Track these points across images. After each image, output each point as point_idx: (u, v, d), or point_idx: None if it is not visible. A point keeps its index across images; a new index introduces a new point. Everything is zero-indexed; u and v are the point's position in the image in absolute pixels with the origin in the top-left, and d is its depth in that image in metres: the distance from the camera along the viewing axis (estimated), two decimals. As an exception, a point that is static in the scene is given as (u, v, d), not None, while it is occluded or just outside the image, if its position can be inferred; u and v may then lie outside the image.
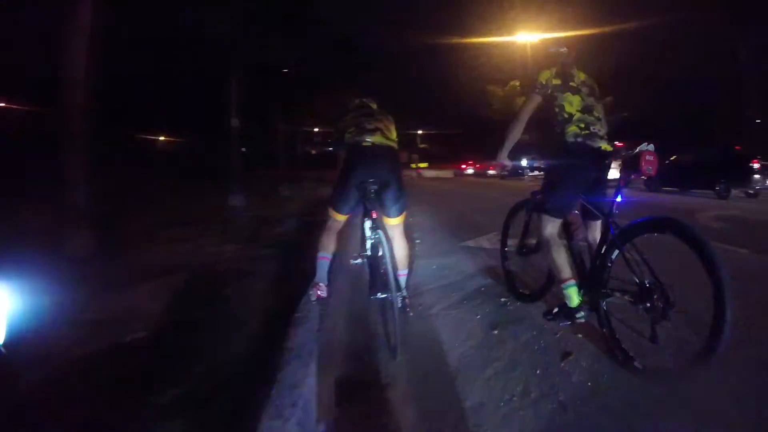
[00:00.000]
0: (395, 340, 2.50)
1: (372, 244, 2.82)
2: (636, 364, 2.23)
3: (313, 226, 5.70)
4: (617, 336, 2.40)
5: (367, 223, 2.90)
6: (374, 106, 3.32)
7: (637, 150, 2.44)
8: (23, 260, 2.87)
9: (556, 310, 2.73)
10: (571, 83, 2.80)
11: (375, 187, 2.80)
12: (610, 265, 2.48)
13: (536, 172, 20.07)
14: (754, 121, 22.41)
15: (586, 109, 2.74)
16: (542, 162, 3.12)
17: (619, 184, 2.56)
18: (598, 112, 2.78)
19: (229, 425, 1.81)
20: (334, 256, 3.19)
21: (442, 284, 3.87)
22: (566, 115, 2.75)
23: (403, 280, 2.97)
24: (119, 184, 10.73)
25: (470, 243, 5.60)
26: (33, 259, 3.45)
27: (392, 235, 3.02)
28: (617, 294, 2.42)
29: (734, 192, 12.92)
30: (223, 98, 11.83)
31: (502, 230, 3.62)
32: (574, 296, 2.60)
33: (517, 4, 26.69)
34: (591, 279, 2.62)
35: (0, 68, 12.87)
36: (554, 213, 2.77)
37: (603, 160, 2.69)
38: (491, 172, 30.35)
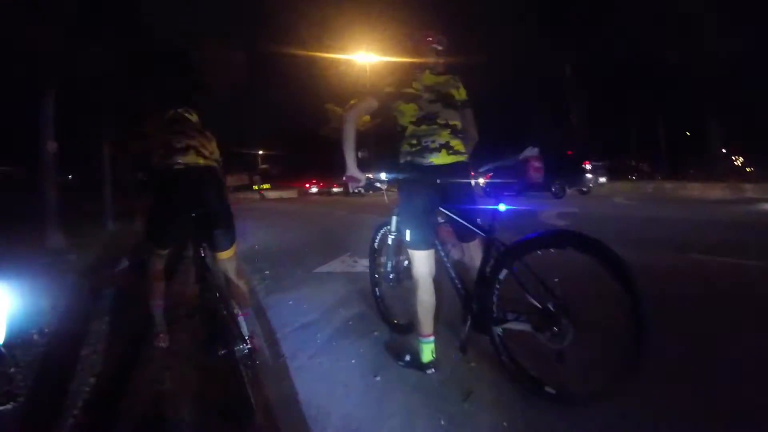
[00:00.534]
0: (252, 407, 1.89)
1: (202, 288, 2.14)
2: (547, 389, 1.97)
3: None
4: (519, 362, 2.12)
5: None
6: (193, 118, 2.74)
7: (522, 156, 2.22)
8: None
9: (408, 358, 2.48)
10: (406, 89, 2.44)
11: (195, 218, 2.18)
12: (498, 287, 2.19)
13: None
14: (581, 128, 26.47)
15: (423, 119, 2.41)
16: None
17: (495, 195, 2.31)
18: (447, 118, 2.43)
19: None
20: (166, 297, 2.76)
21: (303, 323, 3.26)
22: (399, 129, 2.48)
23: (244, 323, 2.36)
24: None
25: (324, 268, 5.09)
26: None
27: (226, 270, 2.62)
28: (512, 318, 2.12)
29: (569, 191, 14.97)
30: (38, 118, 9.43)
31: (369, 253, 3.18)
32: (427, 353, 2.35)
33: (356, 25, 27.56)
34: (477, 303, 2.31)
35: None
36: (414, 245, 2.40)
37: (439, 176, 2.36)
38: (335, 189, 30.51)
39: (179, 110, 2.78)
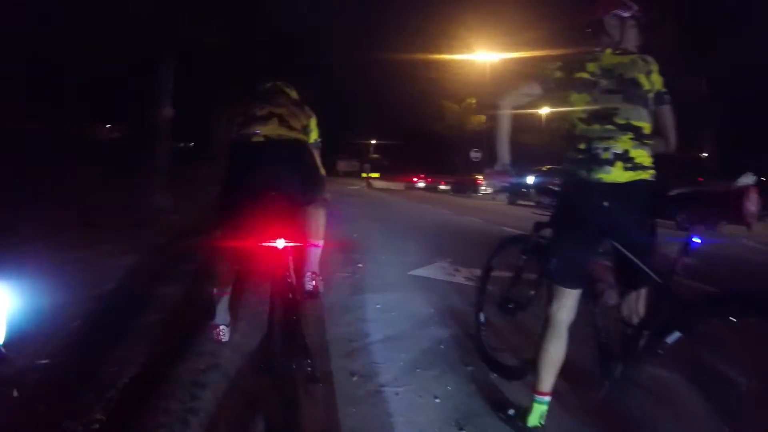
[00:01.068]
0: None
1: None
2: None
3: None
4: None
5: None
6: (292, 93, 2.41)
7: (737, 183, 1.52)
8: None
9: (511, 412, 1.93)
10: (579, 74, 1.83)
11: (277, 200, 1.82)
12: (661, 352, 1.55)
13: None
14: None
15: (597, 116, 1.78)
16: (554, 187, 2.15)
17: (689, 232, 1.64)
18: (629, 116, 1.75)
19: None
20: (234, 288, 2.41)
21: (388, 336, 2.81)
22: (566, 127, 1.87)
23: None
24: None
25: (421, 272, 4.59)
26: None
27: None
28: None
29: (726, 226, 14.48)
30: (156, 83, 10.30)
31: (483, 269, 2.61)
32: (536, 415, 1.81)
33: (478, 23, 26.79)
34: (625, 367, 1.74)
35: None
36: (558, 279, 1.84)
37: (609, 197, 1.72)
38: (442, 187, 29.87)
39: (278, 83, 2.50)
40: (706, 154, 20.12)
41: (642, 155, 1.75)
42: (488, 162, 28.65)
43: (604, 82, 1.80)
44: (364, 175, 41.39)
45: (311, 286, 2.60)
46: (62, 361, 2.15)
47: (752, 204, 1.46)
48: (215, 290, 2.26)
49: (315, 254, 2.72)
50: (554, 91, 1.93)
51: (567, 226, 1.84)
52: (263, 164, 2.02)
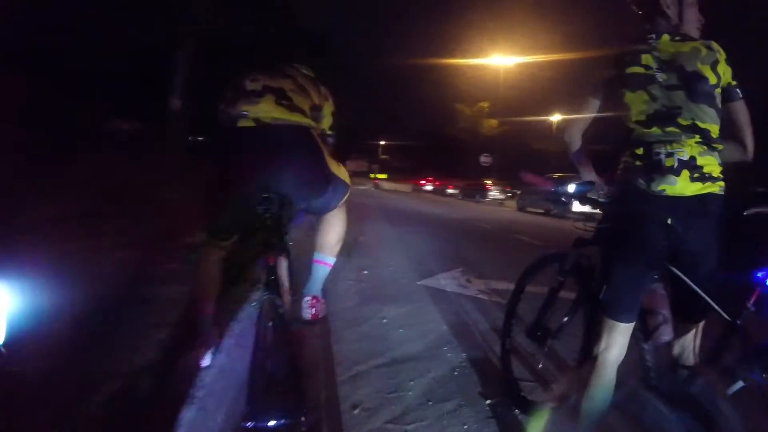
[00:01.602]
0: None
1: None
2: None
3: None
4: None
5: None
6: (308, 71, 1.99)
7: None
8: None
9: None
10: (633, 69, 1.52)
11: (270, 207, 1.46)
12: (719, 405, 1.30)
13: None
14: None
15: (656, 117, 1.46)
16: (603, 196, 1.83)
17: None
18: (694, 116, 1.44)
19: None
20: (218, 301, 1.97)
21: (395, 358, 2.49)
22: (624, 131, 1.57)
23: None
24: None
25: (431, 282, 4.27)
26: None
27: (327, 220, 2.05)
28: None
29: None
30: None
31: (514, 291, 2.27)
32: None
33: (493, 28, 26.67)
34: (682, 419, 1.42)
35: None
36: (610, 310, 1.51)
37: (673, 212, 1.42)
38: (450, 191, 29.47)
39: (295, 65, 2.10)
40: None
41: (711, 163, 1.43)
42: (497, 167, 28.44)
43: (662, 77, 1.47)
44: (372, 175, 41.09)
45: (309, 314, 2.01)
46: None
47: None
48: (198, 305, 1.92)
49: (321, 274, 2.08)
50: (606, 93, 1.62)
51: (622, 246, 1.52)
52: (252, 158, 1.58)
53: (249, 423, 1.13)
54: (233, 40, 11.35)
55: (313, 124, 1.71)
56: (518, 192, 19.88)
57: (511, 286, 2.25)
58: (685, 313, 1.55)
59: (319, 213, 1.96)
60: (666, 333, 1.53)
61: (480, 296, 3.82)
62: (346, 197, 1.95)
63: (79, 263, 3.17)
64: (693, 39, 1.51)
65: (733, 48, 1.62)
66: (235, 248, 1.92)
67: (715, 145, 1.45)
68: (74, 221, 4.45)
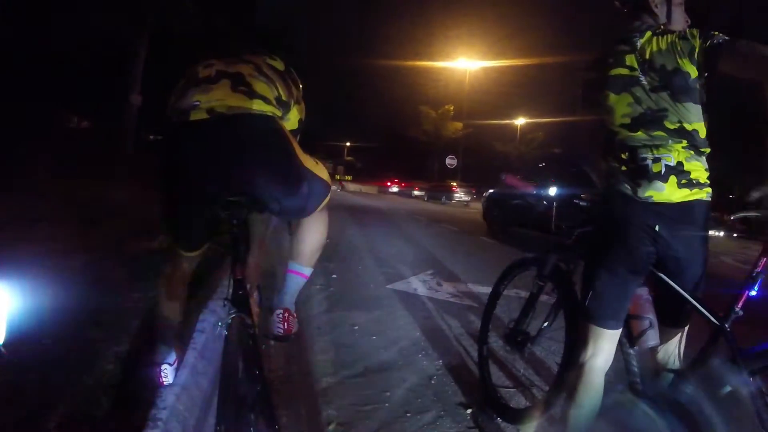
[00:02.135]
0: None
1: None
2: None
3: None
4: None
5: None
6: (278, 65, 1.75)
7: None
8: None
9: None
10: (616, 70, 1.48)
11: (235, 212, 1.32)
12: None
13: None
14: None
15: (642, 120, 1.43)
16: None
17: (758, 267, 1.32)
18: (681, 117, 1.39)
19: None
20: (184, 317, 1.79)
21: (368, 367, 2.38)
22: (607, 135, 1.54)
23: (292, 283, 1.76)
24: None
25: (402, 285, 4.18)
26: None
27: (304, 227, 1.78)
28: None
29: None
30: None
31: (490, 296, 2.21)
32: None
33: (459, 31, 27.12)
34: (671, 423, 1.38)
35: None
36: (597, 318, 1.48)
37: (660, 220, 1.39)
38: (416, 192, 29.58)
39: (261, 54, 1.85)
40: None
41: (698, 168, 1.40)
42: (462, 169, 28.78)
43: (646, 78, 1.43)
44: (337, 177, 40.82)
45: (281, 330, 1.72)
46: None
47: None
48: (158, 316, 1.73)
49: (294, 285, 1.82)
50: (591, 99, 1.58)
51: (607, 252, 1.47)
52: (206, 156, 1.35)
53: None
54: (183, 34, 10.95)
55: (278, 113, 1.48)
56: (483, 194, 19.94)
57: (482, 289, 2.21)
58: (671, 318, 1.52)
59: (296, 217, 1.79)
60: (652, 338, 1.50)
61: (451, 300, 3.76)
62: (327, 200, 1.73)
63: (27, 270, 2.90)
64: (671, 32, 1.43)
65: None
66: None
67: (702, 149, 1.42)
68: (21, 224, 4.12)
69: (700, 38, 1.34)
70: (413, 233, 8.87)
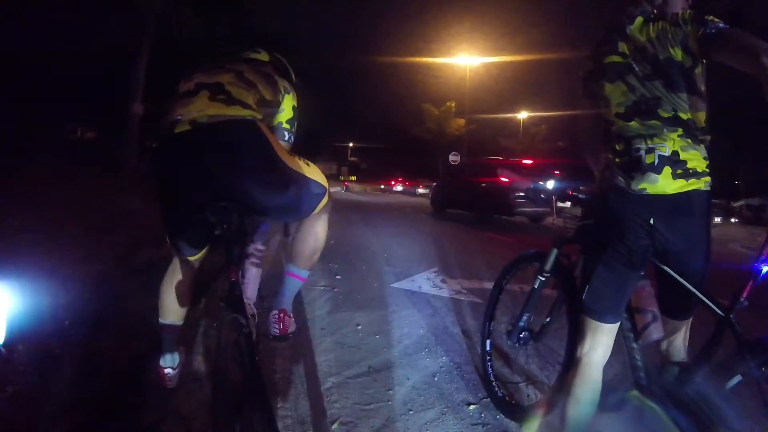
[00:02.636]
0: None
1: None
2: None
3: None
4: None
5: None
6: (263, 56, 1.80)
7: None
8: None
9: None
10: (610, 58, 1.45)
11: (225, 216, 1.33)
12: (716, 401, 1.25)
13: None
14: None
15: (636, 109, 1.40)
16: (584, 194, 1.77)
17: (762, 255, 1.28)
18: (675, 106, 1.36)
19: None
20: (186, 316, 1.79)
21: (372, 366, 2.37)
22: (604, 126, 1.52)
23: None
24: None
25: (406, 284, 4.16)
26: None
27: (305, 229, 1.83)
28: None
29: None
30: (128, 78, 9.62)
31: (492, 292, 2.19)
32: None
33: (460, 28, 27.01)
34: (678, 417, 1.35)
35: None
36: (593, 311, 1.46)
37: (655, 212, 1.37)
38: (420, 190, 29.56)
39: (251, 56, 1.83)
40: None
41: (696, 158, 1.36)
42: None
43: (639, 65, 1.40)
44: (341, 177, 40.84)
45: (277, 330, 1.80)
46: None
47: None
48: (161, 320, 1.74)
49: (292, 288, 1.87)
50: (587, 90, 1.56)
51: (603, 247, 1.45)
52: (191, 166, 1.38)
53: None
54: (184, 41, 11.01)
55: (258, 116, 1.49)
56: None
57: (486, 285, 2.19)
58: (675, 310, 1.50)
59: (292, 219, 1.79)
60: (656, 331, 1.48)
61: (456, 297, 3.74)
62: (324, 202, 1.73)
63: (36, 279, 2.92)
64: (664, 17, 1.38)
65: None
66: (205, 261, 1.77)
67: (701, 138, 1.38)
68: (31, 234, 4.14)
69: (692, 24, 1.28)
70: (417, 230, 8.85)
